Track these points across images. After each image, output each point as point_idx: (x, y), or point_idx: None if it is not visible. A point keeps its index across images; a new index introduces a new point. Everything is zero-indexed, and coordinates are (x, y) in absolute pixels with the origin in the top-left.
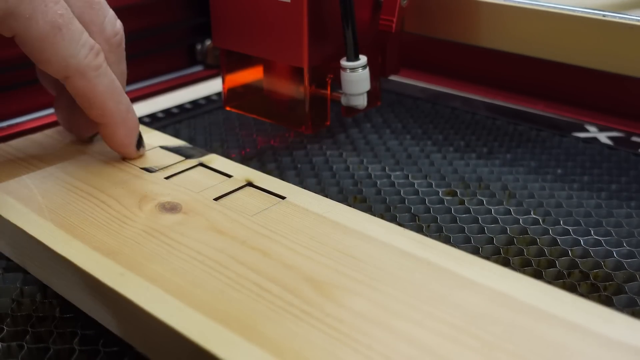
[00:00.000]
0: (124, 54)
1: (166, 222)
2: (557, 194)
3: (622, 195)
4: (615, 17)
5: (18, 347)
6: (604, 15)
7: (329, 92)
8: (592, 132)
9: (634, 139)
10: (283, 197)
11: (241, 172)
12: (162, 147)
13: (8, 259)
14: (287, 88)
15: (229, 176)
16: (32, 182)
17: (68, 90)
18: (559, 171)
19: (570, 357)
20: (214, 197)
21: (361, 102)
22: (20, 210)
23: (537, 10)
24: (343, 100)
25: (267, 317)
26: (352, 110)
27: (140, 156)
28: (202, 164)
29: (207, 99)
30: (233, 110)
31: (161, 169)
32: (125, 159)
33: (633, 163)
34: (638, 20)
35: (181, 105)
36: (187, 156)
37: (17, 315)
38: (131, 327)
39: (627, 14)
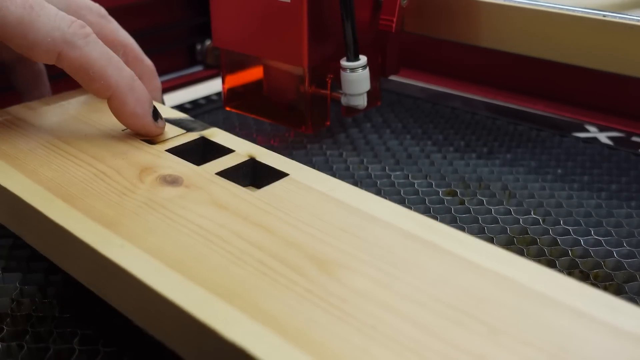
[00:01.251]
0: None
1: (167, 195)
2: (557, 194)
3: (622, 195)
4: (615, 17)
5: (18, 347)
6: (604, 15)
7: (329, 92)
8: (592, 132)
9: (634, 139)
10: (286, 174)
11: (244, 146)
12: None
13: (7, 259)
14: (287, 88)
15: (232, 151)
16: (30, 150)
17: (65, 69)
18: (559, 171)
19: (576, 343)
20: (216, 172)
21: (361, 102)
22: (18, 178)
23: (537, 10)
24: (343, 100)
25: (269, 294)
26: (352, 110)
27: (161, 131)
28: (203, 138)
29: (207, 99)
30: (233, 110)
31: (162, 141)
32: (144, 137)
33: (633, 163)
34: (638, 20)
35: (181, 105)
36: (189, 129)
37: (16, 315)
38: (131, 301)
39: (627, 14)
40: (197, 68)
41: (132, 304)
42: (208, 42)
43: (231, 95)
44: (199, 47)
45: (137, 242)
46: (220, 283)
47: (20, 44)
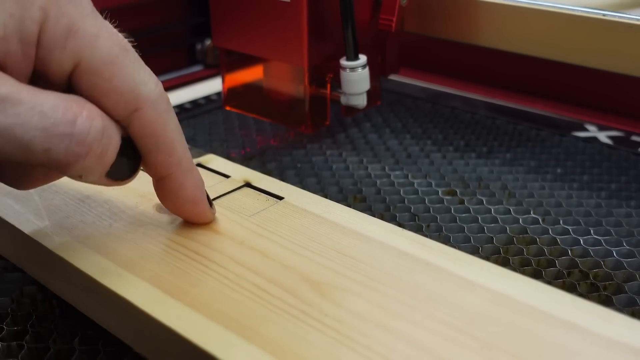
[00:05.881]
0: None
1: (164, 222)
2: (557, 193)
3: (622, 194)
4: (615, 16)
5: (18, 346)
6: (604, 15)
7: (328, 91)
8: (592, 131)
9: (634, 138)
10: (281, 198)
11: (239, 172)
12: None
13: (7, 259)
14: (287, 87)
15: (227, 176)
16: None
17: (132, 130)
18: (559, 170)
19: (570, 357)
20: (212, 198)
21: (361, 101)
22: (17, 211)
23: (537, 10)
24: (343, 100)
25: (265, 318)
26: (351, 109)
27: (213, 218)
28: (199, 165)
29: (207, 98)
30: (233, 110)
31: None
32: (196, 223)
33: (633, 162)
34: (638, 20)
35: (181, 105)
36: None
37: (16, 315)
38: (129, 327)
39: (627, 14)
40: (197, 68)
41: (131, 331)
42: (208, 42)
43: (231, 95)
44: (199, 46)
45: (134, 270)
46: (217, 308)
47: (98, 87)
